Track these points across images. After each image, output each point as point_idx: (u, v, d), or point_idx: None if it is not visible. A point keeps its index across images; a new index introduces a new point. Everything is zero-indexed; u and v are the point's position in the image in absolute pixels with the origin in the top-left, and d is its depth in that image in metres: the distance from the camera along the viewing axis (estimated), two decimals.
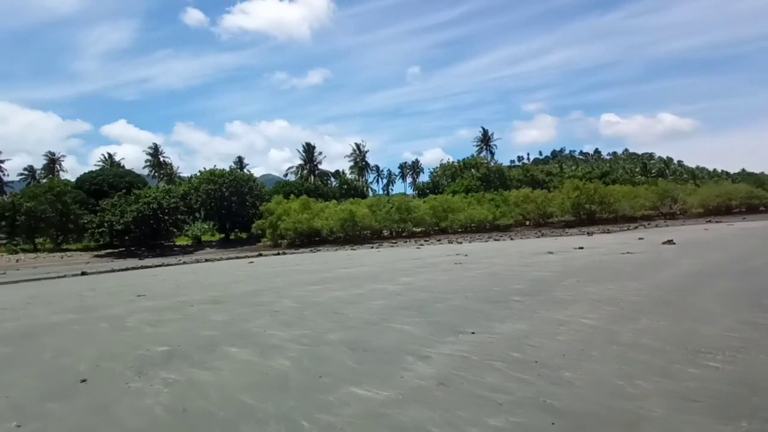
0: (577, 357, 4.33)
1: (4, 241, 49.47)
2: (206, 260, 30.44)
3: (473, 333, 5.45)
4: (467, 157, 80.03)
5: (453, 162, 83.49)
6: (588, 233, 33.51)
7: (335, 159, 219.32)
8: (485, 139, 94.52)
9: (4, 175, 75.83)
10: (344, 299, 8.72)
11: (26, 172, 78.78)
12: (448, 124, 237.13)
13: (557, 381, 3.73)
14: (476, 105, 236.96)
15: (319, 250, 34.93)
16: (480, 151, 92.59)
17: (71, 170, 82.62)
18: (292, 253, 32.99)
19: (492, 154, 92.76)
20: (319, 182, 79.93)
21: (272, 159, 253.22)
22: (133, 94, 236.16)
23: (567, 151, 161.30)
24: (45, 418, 3.51)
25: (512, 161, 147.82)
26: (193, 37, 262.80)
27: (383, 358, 4.67)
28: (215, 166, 60.80)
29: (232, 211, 50.56)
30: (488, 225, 47.72)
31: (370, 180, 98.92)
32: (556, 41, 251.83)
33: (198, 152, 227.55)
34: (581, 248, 18.10)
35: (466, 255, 18.63)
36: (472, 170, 71.62)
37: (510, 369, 4.09)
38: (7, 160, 77.75)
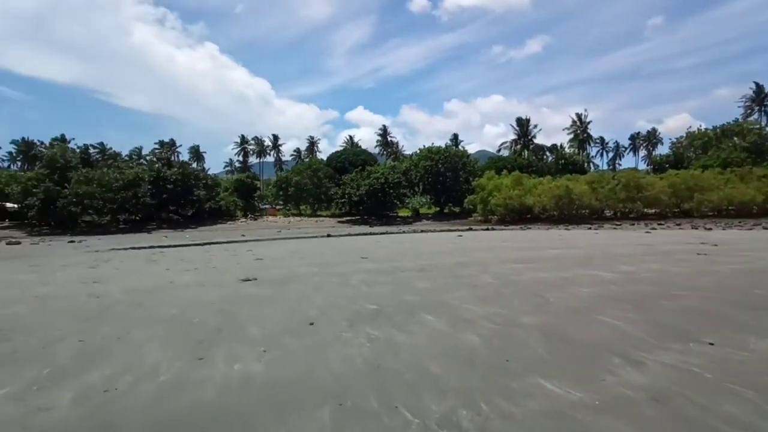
0: None
1: (281, 207, 64.75)
2: (421, 231, 32.97)
3: (712, 344, 4.29)
4: (727, 123, 61.77)
5: (706, 129, 65.88)
6: None
7: (552, 132, 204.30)
8: (759, 98, 70.44)
9: (281, 156, 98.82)
10: (548, 281, 8.10)
11: (295, 153, 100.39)
12: (701, 83, 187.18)
13: None
14: (746, 54, 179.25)
15: (530, 228, 33.40)
16: (749, 114, 69.94)
17: (324, 151, 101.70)
18: (501, 230, 32.54)
19: None
20: (534, 157, 75.53)
21: (486, 135, 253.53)
22: (369, 82, 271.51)
23: None
24: (281, 349, 4.48)
25: None
26: (417, 23, 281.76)
27: (583, 354, 4.15)
28: (433, 143, 64.48)
29: (446, 186, 53.08)
30: (755, 209, 36.47)
31: (592, 154, 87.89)
32: None
33: (419, 131, 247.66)
34: None
35: (716, 245, 14.74)
36: (735, 139, 55.05)
37: (766, 402, 3.06)
38: (283, 144, 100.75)
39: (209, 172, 58.82)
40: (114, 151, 58.36)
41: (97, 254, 17.80)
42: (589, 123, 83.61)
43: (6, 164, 79.74)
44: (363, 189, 50.08)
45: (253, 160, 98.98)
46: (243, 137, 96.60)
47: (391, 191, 51.19)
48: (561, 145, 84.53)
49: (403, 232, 32.78)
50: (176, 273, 10.60)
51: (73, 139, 62.48)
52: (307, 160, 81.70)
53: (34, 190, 41.48)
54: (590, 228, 31.65)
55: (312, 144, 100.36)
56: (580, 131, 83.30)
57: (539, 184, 44.50)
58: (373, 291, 7.66)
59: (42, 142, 70.55)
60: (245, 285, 8.51)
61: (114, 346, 4.63)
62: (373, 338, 4.79)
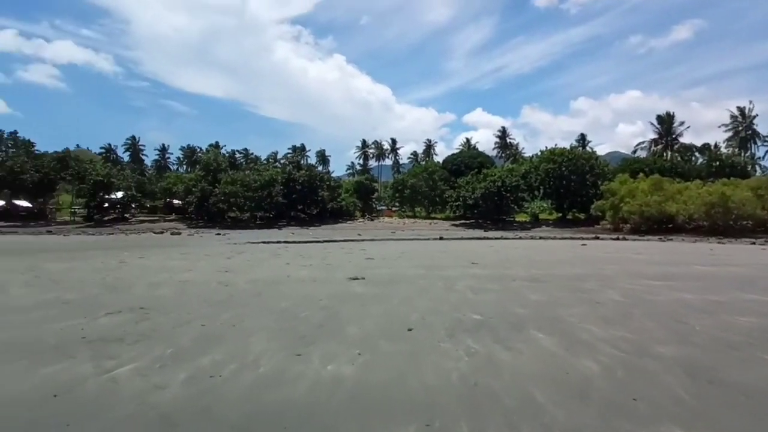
0: None
1: (397, 208, 66.46)
2: (540, 238, 30.84)
3: None
4: None
5: None
6: None
7: (703, 129, 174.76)
8: None
9: (399, 159, 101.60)
10: (692, 304, 6.76)
11: (412, 156, 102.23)
12: None
13: None
14: None
15: (671, 240, 28.99)
16: None
17: (440, 153, 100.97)
18: (634, 240, 28.79)
19: None
20: (678, 158, 65.41)
21: (620, 134, 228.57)
22: (488, 83, 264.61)
23: None
24: (376, 353, 4.38)
25: None
26: (543, 19, 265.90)
27: (741, 403, 3.28)
28: (556, 145, 59.95)
29: (570, 191, 49.01)
30: None
31: (759, 155, 72.58)
32: None
33: (542, 132, 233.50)
34: None
35: None
36: None
37: None
38: (401, 147, 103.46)
39: (333, 175, 63.33)
40: (255, 156, 66.08)
41: (235, 246, 20.19)
42: (754, 118, 69.16)
43: (175, 167, 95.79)
44: (478, 192, 48.70)
45: (372, 163, 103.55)
46: (364, 142, 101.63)
47: (509, 195, 48.86)
48: (715, 145, 71.77)
49: (520, 238, 31.01)
50: (294, 268, 11.41)
51: (225, 145, 72.62)
52: (423, 162, 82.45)
53: (193, 189, 48.96)
54: (753, 243, 26.22)
55: (429, 147, 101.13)
56: (743, 128, 69.50)
57: (685, 189, 38.34)
58: (479, 299, 7.24)
59: (201, 149, 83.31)
60: (353, 283, 8.73)
61: (228, 332, 5.04)
62: (473, 352, 4.44)
